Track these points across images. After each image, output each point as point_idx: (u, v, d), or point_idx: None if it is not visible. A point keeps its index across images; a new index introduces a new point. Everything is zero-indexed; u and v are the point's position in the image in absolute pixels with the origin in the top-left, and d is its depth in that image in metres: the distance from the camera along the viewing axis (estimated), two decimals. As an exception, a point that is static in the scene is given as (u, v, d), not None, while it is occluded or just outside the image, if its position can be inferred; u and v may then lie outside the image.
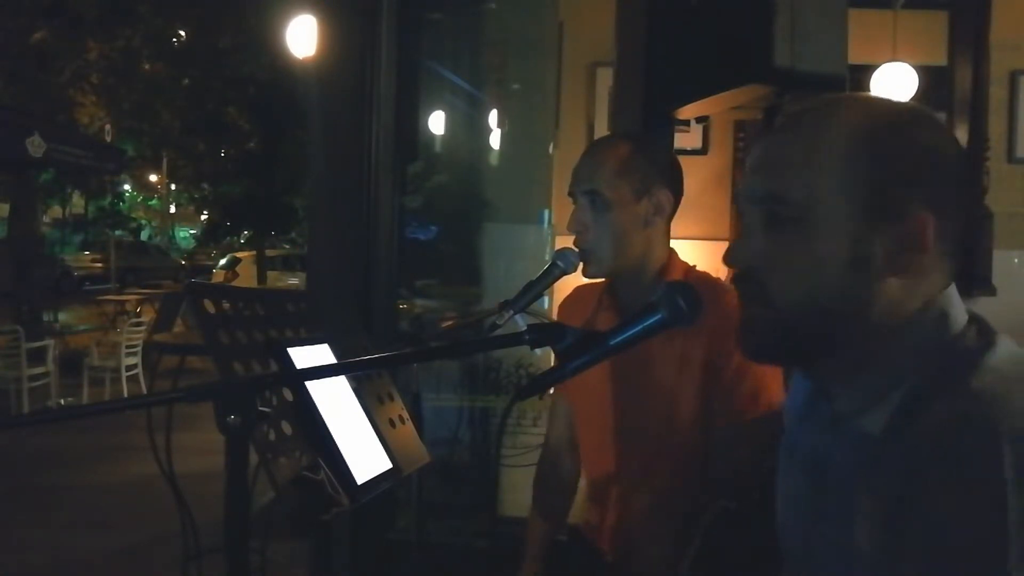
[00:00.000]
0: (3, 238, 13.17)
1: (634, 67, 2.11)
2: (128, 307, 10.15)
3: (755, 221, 0.81)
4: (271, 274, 16.73)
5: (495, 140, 3.79)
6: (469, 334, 1.73)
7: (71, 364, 7.09)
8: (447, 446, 3.18)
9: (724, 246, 0.87)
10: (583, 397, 1.60)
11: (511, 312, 1.43)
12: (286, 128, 14.70)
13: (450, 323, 2.36)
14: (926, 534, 0.68)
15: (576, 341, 0.86)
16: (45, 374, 6.44)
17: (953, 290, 0.78)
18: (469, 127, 3.81)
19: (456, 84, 3.69)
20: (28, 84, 11.87)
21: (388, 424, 1.45)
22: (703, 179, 3.86)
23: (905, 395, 0.75)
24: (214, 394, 0.81)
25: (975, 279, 3.86)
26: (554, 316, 1.96)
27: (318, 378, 1.24)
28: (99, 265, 22.03)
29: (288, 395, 1.27)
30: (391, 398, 1.51)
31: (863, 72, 3.95)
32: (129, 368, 6.86)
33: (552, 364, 0.92)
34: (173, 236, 37.90)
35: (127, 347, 6.87)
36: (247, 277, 15.99)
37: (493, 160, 3.88)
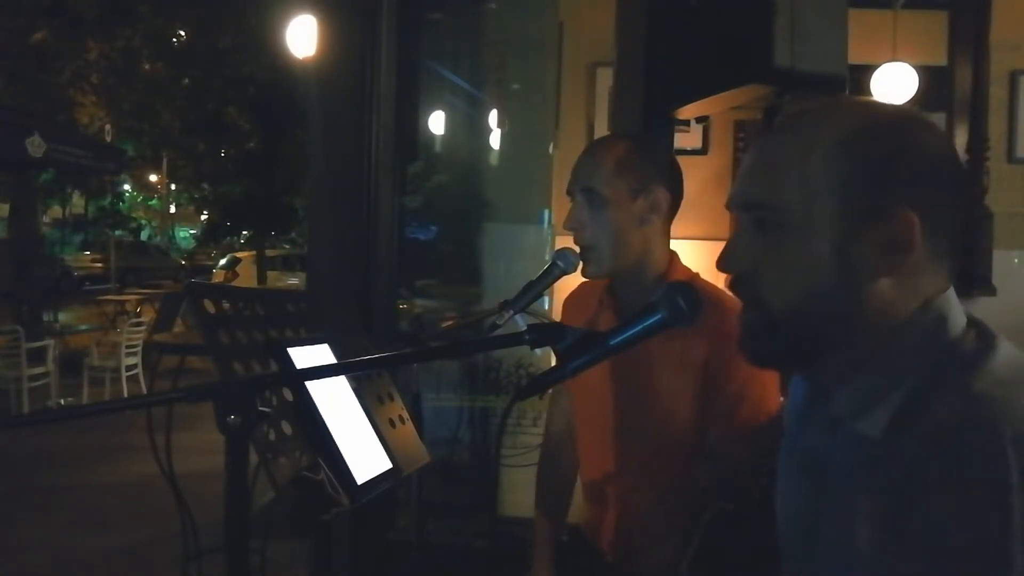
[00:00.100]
0: (3, 238, 13.18)
1: (634, 67, 2.11)
2: (128, 307, 10.15)
3: (745, 226, 0.82)
4: (271, 274, 16.74)
5: (495, 140, 3.79)
6: (469, 334, 1.73)
7: (71, 364, 7.09)
8: (447, 446, 3.19)
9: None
10: (583, 397, 1.60)
11: (511, 312, 1.43)
12: (286, 128, 14.71)
13: (450, 323, 2.36)
14: (926, 534, 0.68)
15: (576, 341, 0.86)
16: (45, 374, 6.44)
17: (952, 293, 0.78)
18: (469, 127, 3.81)
19: (456, 84, 3.69)
20: (28, 84, 11.89)
21: (388, 424, 1.45)
22: (703, 179, 3.85)
23: (905, 396, 0.75)
24: (214, 394, 0.81)
25: (975, 279, 3.86)
26: (554, 316, 1.96)
27: (318, 378, 1.24)
28: (99, 265, 22.03)
29: (288, 395, 1.27)
30: (391, 398, 1.51)
31: (863, 72, 3.95)
32: (129, 368, 6.86)
33: (552, 364, 0.92)
34: (173, 236, 37.91)
35: (127, 347, 6.87)
36: (247, 277, 15.99)
37: (493, 160, 3.88)
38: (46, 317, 10.09)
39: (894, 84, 3.94)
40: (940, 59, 4.07)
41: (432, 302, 3.54)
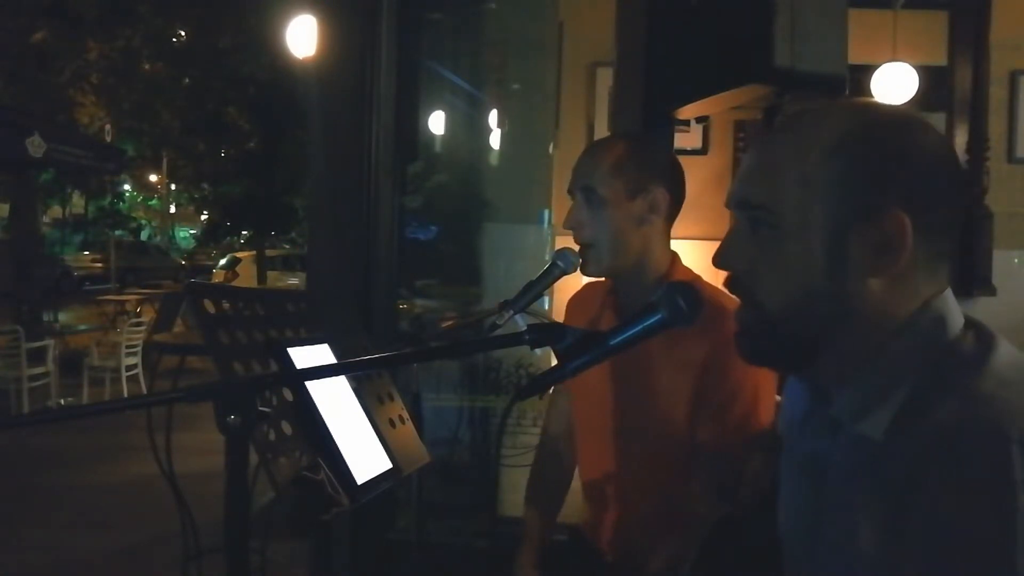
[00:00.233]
0: (3, 238, 13.17)
1: (634, 67, 2.11)
2: (128, 307, 10.15)
3: (741, 224, 0.83)
4: (271, 274, 16.73)
5: (495, 140, 3.79)
6: (469, 334, 1.73)
7: (71, 364, 7.08)
8: (447, 446, 3.19)
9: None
10: (583, 397, 1.60)
11: (511, 312, 1.43)
12: (286, 128, 14.71)
13: (450, 323, 2.36)
14: (928, 535, 0.68)
15: (576, 341, 0.86)
16: (45, 374, 6.44)
17: (950, 294, 0.79)
18: (469, 127, 3.81)
19: (456, 84, 3.69)
20: (28, 84, 11.88)
21: (388, 424, 1.45)
22: (703, 179, 3.86)
23: (904, 397, 0.75)
24: (214, 394, 0.81)
25: (975, 279, 3.87)
26: (554, 316, 1.96)
27: (318, 378, 1.24)
28: (99, 265, 22.04)
29: (288, 395, 1.27)
30: (391, 398, 1.51)
31: (863, 72, 3.96)
32: (129, 368, 6.86)
33: (552, 364, 0.92)
34: (173, 236, 37.90)
35: (127, 347, 6.86)
36: (247, 277, 15.99)
37: (493, 160, 3.88)
38: (46, 317, 10.08)
39: (894, 84, 3.94)
40: (940, 59, 4.07)
41: (432, 302, 3.53)
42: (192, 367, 4.13)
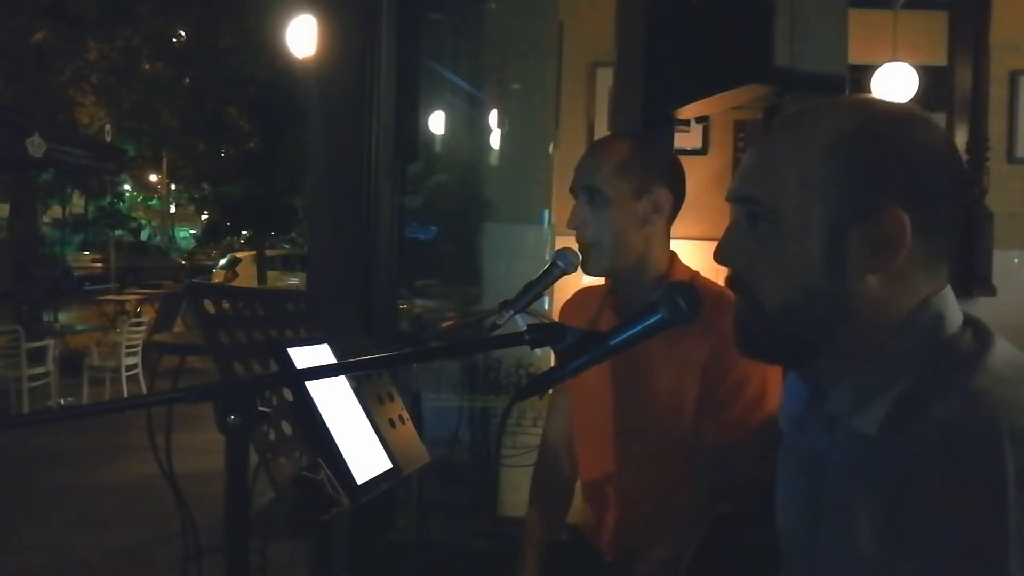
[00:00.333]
0: (3, 238, 13.17)
1: (634, 67, 2.11)
2: (128, 307, 10.15)
3: (741, 219, 0.83)
4: (271, 274, 16.73)
5: (495, 140, 3.79)
6: (469, 334, 1.73)
7: (71, 364, 7.09)
8: (447, 446, 3.19)
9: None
10: (583, 397, 1.59)
11: (511, 312, 1.43)
12: (286, 128, 14.70)
13: (450, 323, 2.36)
14: (926, 533, 0.68)
15: (576, 341, 0.86)
16: (45, 374, 6.44)
17: (949, 292, 0.78)
18: (469, 127, 3.81)
19: (456, 84, 3.69)
20: (28, 84, 11.89)
21: (388, 424, 1.45)
22: (703, 179, 3.85)
23: (901, 395, 0.75)
24: (214, 394, 0.81)
25: (975, 279, 3.86)
26: (554, 316, 1.96)
27: (318, 378, 1.24)
28: (99, 265, 22.04)
29: (288, 395, 1.27)
30: (391, 398, 1.51)
31: (863, 72, 3.95)
32: (129, 368, 6.86)
33: (552, 364, 0.92)
34: (173, 236, 37.90)
35: (127, 347, 6.86)
36: (247, 277, 15.98)
37: (493, 160, 3.88)
38: (46, 317, 10.10)
39: (894, 84, 3.94)
40: (940, 59, 4.07)
41: (432, 302, 3.53)
42: (192, 367, 4.13)
